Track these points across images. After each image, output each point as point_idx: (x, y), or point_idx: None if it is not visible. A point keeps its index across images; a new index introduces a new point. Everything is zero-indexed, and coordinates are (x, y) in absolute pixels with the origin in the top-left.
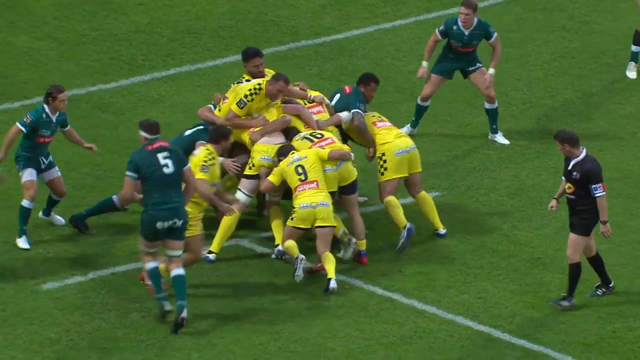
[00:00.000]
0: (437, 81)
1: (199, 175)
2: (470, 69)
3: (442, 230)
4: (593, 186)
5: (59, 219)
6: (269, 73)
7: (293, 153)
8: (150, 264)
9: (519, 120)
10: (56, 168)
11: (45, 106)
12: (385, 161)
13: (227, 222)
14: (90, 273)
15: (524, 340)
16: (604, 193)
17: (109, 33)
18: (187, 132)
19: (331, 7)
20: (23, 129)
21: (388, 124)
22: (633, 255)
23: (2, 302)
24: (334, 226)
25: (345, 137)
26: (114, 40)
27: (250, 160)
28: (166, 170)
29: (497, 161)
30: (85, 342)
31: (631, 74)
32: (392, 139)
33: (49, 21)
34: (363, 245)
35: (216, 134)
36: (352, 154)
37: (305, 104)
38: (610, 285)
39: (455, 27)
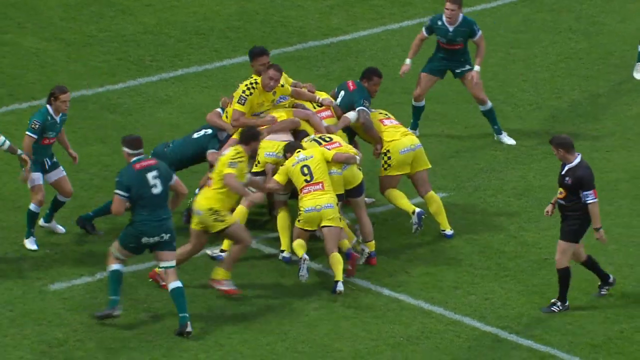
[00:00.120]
0: (427, 80)
1: (227, 170)
2: (459, 70)
3: (450, 231)
4: (584, 193)
5: (60, 228)
6: None
7: (299, 152)
8: (115, 266)
9: (525, 121)
10: (61, 168)
11: (49, 107)
12: (389, 158)
13: (239, 215)
14: (97, 273)
15: (531, 341)
16: (596, 200)
17: (117, 34)
18: (195, 135)
19: (338, 8)
20: (35, 136)
21: (395, 121)
22: None
23: (10, 303)
24: (341, 227)
25: (352, 133)
26: (121, 41)
27: (255, 157)
28: (155, 191)
29: (504, 162)
30: (93, 343)
31: (638, 74)
32: (399, 137)
33: (56, 22)
34: (372, 246)
35: (246, 135)
36: (358, 157)
37: (315, 107)
38: (611, 280)
39: (440, 23)
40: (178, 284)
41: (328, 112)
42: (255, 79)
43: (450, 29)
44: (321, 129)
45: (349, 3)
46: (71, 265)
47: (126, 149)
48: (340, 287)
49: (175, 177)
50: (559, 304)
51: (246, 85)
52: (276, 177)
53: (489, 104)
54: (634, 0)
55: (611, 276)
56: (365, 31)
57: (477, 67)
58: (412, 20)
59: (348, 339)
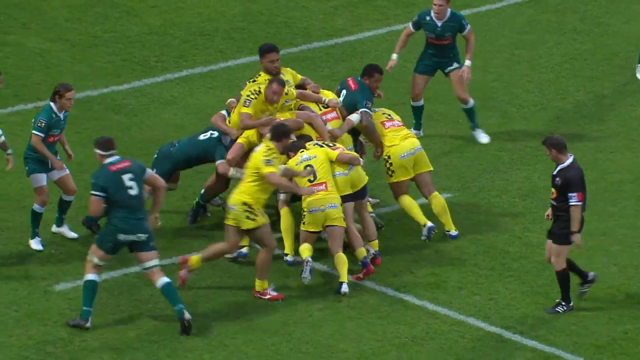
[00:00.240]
0: (420, 80)
1: (267, 169)
2: (448, 69)
3: (454, 232)
4: (570, 194)
5: (72, 234)
6: (286, 72)
7: (302, 152)
8: (90, 275)
9: (530, 122)
10: (64, 166)
11: (53, 105)
12: (391, 164)
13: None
14: (102, 274)
15: (535, 341)
16: (579, 203)
17: (122, 35)
18: (201, 137)
19: (343, 9)
20: (42, 134)
21: (397, 123)
22: None
23: (15, 303)
24: (344, 227)
25: (356, 133)
26: (126, 42)
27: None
28: (131, 192)
29: (508, 163)
30: (98, 343)
31: None
32: (399, 141)
33: (61, 23)
34: (375, 245)
35: (277, 132)
36: (361, 160)
37: (320, 109)
38: (590, 278)
39: (428, 18)
40: (165, 279)
41: (334, 114)
42: (260, 85)
43: (439, 24)
44: (324, 131)
45: (353, 4)
46: (76, 266)
47: (98, 151)
48: (345, 288)
49: (149, 172)
50: (563, 304)
51: (250, 90)
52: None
53: (471, 102)
54: (639, 1)
55: (590, 273)
56: (369, 32)
57: (467, 62)
58: None
59: (353, 340)
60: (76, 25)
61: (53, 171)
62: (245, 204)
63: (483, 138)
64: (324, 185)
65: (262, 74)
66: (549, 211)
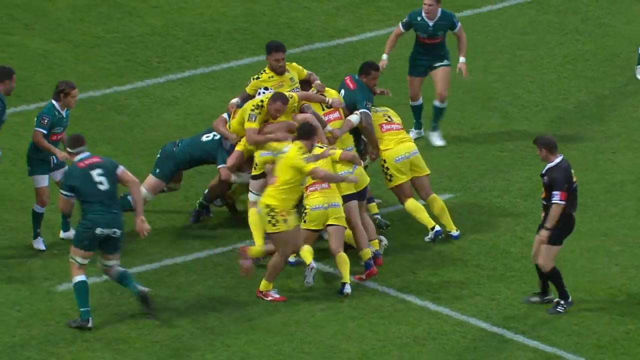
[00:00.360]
0: (417, 82)
1: (309, 166)
2: (436, 64)
3: (455, 232)
4: (553, 192)
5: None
6: (292, 69)
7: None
8: (78, 277)
9: (532, 123)
10: (67, 166)
11: (55, 103)
12: (387, 168)
13: (252, 217)
14: (104, 274)
15: (537, 341)
16: (562, 203)
17: (124, 35)
18: (204, 138)
19: (345, 10)
20: (44, 131)
21: (395, 126)
22: None
23: (17, 303)
24: (345, 227)
25: (358, 132)
26: (129, 42)
27: (254, 161)
28: (101, 187)
29: (510, 163)
30: (100, 343)
31: None
32: (393, 145)
33: (64, 24)
34: (376, 244)
35: (304, 130)
36: (362, 162)
37: (323, 109)
38: (547, 298)
39: (419, 19)
40: (121, 269)
41: (336, 114)
42: (262, 100)
43: (430, 24)
44: (320, 132)
45: (355, 5)
46: None
47: (67, 149)
48: (347, 289)
49: (121, 168)
50: (562, 302)
51: (253, 105)
52: None
53: (446, 103)
54: None
55: (550, 295)
56: (371, 32)
57: (462, 59)
58: None
59: (355, 340)
60: (79, 25)
61: (55, 172)
62: (268, 206)
63: (438, 141)
64: (326, 183)
65: (267, 70)
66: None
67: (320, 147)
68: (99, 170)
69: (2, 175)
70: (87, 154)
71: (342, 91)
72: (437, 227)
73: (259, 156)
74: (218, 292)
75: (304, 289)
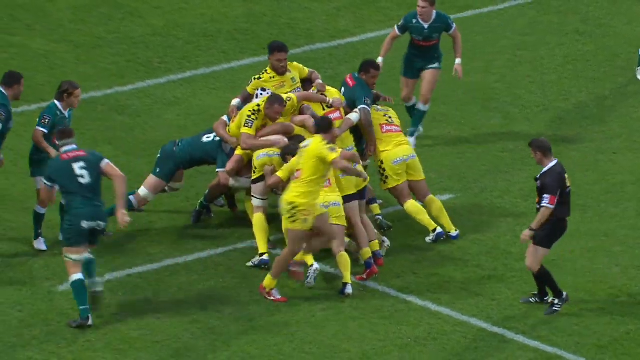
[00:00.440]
0: (410, 83)
1: (332, 156)
2: (428, 66)
3: (455, 232)
4: (544, 195)
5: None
6: (293, 68)
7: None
8: (74, 276)
9: (532, 123)
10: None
11: (58, 103)
12: (384, 169)
13: (258, 224)
14: (106, 274)
15: (538, 341)
16: (550, 207)
17: (126, 36)
18: (205, 139)
19: (346, 10)
20: (44, 130)
21: (394, 128)
22: None
23: (19, 303)
24: (346, 225)
25: (359, 131)
26: (130, 43)
27: (252, 165)
28: (82, 181)
29: (510, 163)
30: (101, 343)
31: None
32: (392, 147)
33: (65, 24)
34: (376, 245)
35: (323, 125)
36: (362, 161)
37: (324, 109)
38: (546, 299)
39: (415, 21)
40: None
41: (337, 114)
42: (258, 104)
43: (426, 26)
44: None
45: (356, 5)
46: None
47: (56, 141)
48: (349, 289)
49: (105, 162)
50: (557, 301)
51: (250, 110)
52: (279, 174)
53: (428, 106)
54: None
55: (549, 296)
56: (372, 33)
57: (458, 60)
58: None
59: (355, 340)
60: (80, 26)
61: None
62: (291, 203)
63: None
64: (328, 181)
65: (269, 70)
66: None
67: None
68: (81, 164)
69: (3, 176)
70: (73, 146)
71: (342, 89)
72: (439, 229)
73: (256, 159)
74: (219, 292)
75: (304, 289)
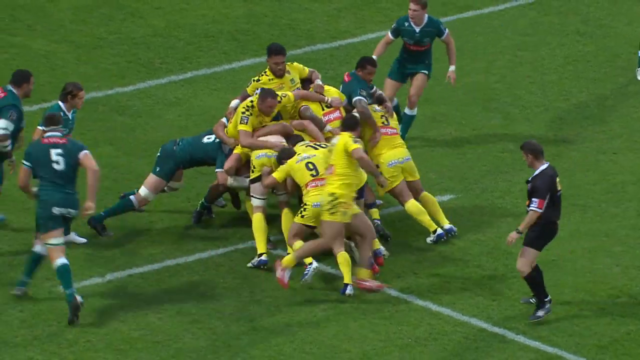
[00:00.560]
0: (392, 86)
1: (355, 145)
2: (416, 71)
3: (448, 225)
4: (533, 199)
5: (80, 239)
6: (293, 69)
7: (300, 154)
8: (59, 261)
9: (533, 124)
10: None
11: (62, 104)
12: (381, 172)
13: (257, 224)
14: (107, 275)
15: (538, 342)
16: (539, 210)
17: (127, 36)
18: (205, 139)
19: (347, 11)
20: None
21: (390, 130)
22: None
23: (20, 304)
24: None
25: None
26: (131, 43)
27: (251, 165)
28: (56, 167)
29: (511, 164)
30: (102, 344)
31: None
32: (386, 150)
33: (66, 25)
34: (376, 244)
35: (350, 123)
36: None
37: (323, 108)
38: (545, 299)
39: (407, 24)
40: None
41: (337, 114)
42: (252, 100)
43: (417, 30)
44: (318, 135)
45: (357, 6)
46: (81, 267)
47: (39, 127)
48: (350, 290)
49: (85, 152)
50: (541, 306)
51: (244, 107)
52: (275, 174)
53: (415, 111)
54: None
55: (549, 296)
56: (373, 34)
57: (452, 67)
58: None
59: (356, 340)
60: (81, 27)
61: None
62: (333, 194)
63: None
64: (325, 180)
65: (268, 72)
66: None
67: (314, 147)
68: (59, 150)
69: (4, 176)
70: (56, 134)
71: (340, 87)
72: (440, 230)
73: (255, 158)
74: (220, 293)
75: (305, 290)
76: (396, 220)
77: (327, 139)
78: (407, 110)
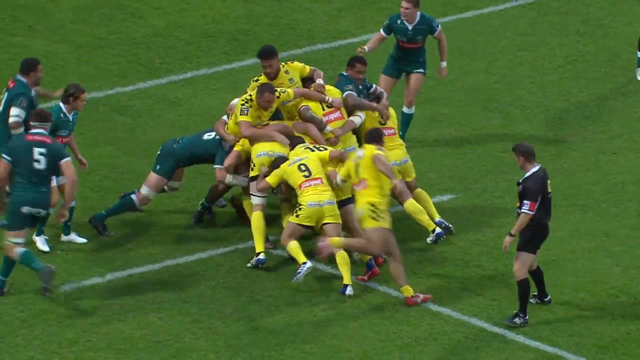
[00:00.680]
0: (387, 82)
1: (376, 151)
2: (413, 71)
3: (437, 218)
4: (524, 201)
5: (80, 239)
6: (292, 69)
7: (292, 158)
8: (18, 250)
9: (533, 124)
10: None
11: (62, 106)
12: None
13: (255, 223)
14: (107, 274)
15: (538, 342)
16: (530, 213)
17: (127, 36)
18: (205, 137)
19: (347, 11)
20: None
21: (387, 131)
22: None
23: (20, 304)
24: (340, 223)
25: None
26: (131, 43)
27: (251, 163)
28: (37, 166)
29: (511, 164)
30: (103, 343)
31: None
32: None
33: (67, 25)
34: None
35: (375, 135)
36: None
37: (324, 108)
38: (546, 299)
39: (399, 22)
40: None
41: (337, 114)
42: (250, 94)
43: (410, 27)
44: (319, 139)
45: (357, 6)
46: (81, 267)
47: (31, 122)
48: (349, 291)
49: (66, 159)
50: (521, 315)
51: (242, 100)
52: (268, 179)
53: (413, 109)
54: None
55: (549, 297)
56: (373, 34)
57: (444, 64)
58: None
59: (356, 340)
60: (81, 27)
61: (60, 176)
62: (371, 203)
63: None
64: (319, 180)
65: (252, 86)
66: None
67: (311, 149)
68: (42, 150)
69: None
70: (41, 131)
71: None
72: (438, 230)
73: (256, 157)
74: (220, 293)
75: (305, 289)
76: (396, 220)
77: (328, 140)
78: (404, 109)
